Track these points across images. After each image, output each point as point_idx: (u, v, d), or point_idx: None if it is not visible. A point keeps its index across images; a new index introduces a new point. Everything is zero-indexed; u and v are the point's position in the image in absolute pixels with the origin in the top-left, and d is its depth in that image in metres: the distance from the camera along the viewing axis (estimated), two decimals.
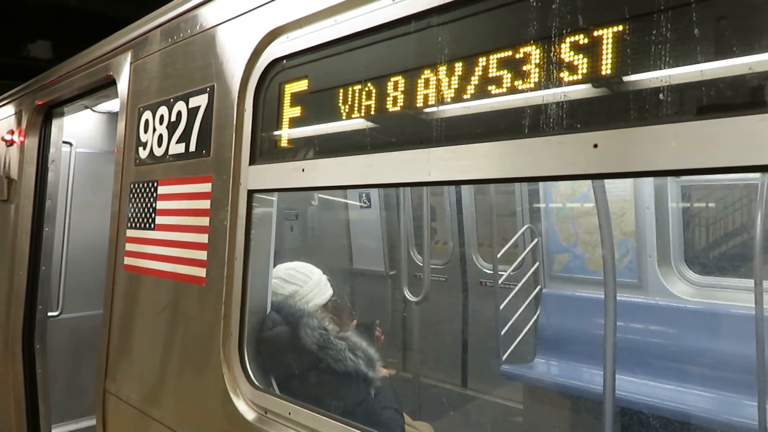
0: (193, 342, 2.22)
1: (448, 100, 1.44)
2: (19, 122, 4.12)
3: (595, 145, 1.16)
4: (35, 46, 6.44)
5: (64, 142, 4.18)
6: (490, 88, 1.36)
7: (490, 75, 1.36)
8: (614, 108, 1.19)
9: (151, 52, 2.62)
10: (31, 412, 3.87)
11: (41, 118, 3.93)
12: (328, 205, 6.36)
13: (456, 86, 1.42)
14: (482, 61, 1.38)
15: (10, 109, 4.42)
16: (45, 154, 3.91)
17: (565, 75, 1.22)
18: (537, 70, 1.28)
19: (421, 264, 5.36)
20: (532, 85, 1.29)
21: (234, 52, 2.10)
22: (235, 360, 1.99)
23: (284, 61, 1.93)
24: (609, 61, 1.17)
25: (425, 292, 4.62)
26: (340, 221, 6.24)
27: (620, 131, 1.13)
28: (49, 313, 3.99)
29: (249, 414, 1.91)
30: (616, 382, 2.72)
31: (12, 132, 4.14)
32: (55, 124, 3.93)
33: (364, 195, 5.96)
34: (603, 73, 1.17)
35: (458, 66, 1.43)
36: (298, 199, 5.76)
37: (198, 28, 2.32)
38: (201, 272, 2.15)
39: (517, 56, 1.31)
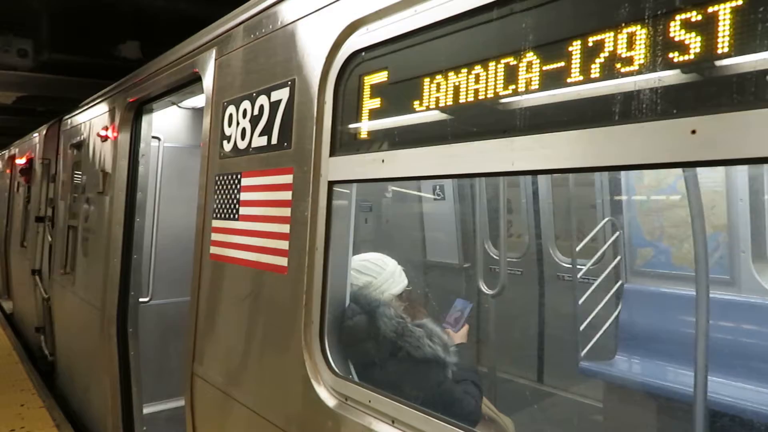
0: (274, 329, 2.29)
1: (533, 87, 1.40)
2: (112, 119, 4.37)
3: (693, 131, 1.10)
4: (125, 47, 6.78)
5: (153, 137, 4.40)
6: (577, 74, 1.32)
7: (577, 61, 1.32)
8: (715, 91, 1.12)
9: (234, 48, 2.71)
10: (124, 391, 4.12)
11: (132, 115, 4.15)
12: (402, 197, 6.37)
13: (541, 73, 1.38)
14: (568, 46, 1.33)
15: (104, 107, 4.69)
16: (136, 149, 4.13)
17: (660, 58, 1.16)
18: (629, 54, 1.22)
19: (496, 257, 5.29)
20: (623, 70, 1.23)
21: (314, 45, 2.13)
22: (316, 347, 2.03)
23: (364, 53, 1.94)
24: (710, 41, 1.10)
25: (501, 285, 4.55)
26: (413, 213, 6.25)
27: (722, 116, 1.07)
28: (140, 299, 4.23)
29: (330, 401, 1.95)
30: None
31: (106, 128, 4.40)
32: (145, 120, 4.14)
33: (437, 187, 5.93)
34: (703, 54, 1.11)
35: (543, 52, 1.39)
36: (371, 192, 5.81)
37: (279, 23, 2.38)
38: (283, 261, 2.21)
39: (607, 40, 1.26)
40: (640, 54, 1.20)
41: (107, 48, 6.90)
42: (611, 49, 1.25)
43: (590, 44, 1.28)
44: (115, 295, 4.07)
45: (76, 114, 5.73)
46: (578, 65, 1.30)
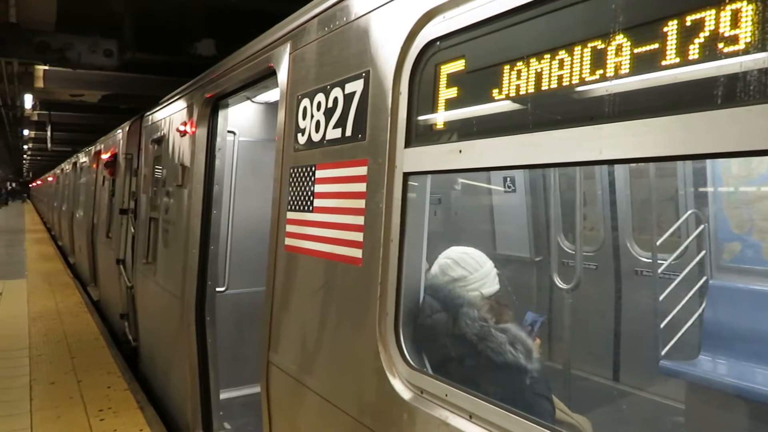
0: (348, 320, 2.30)
1: (623, 72, 1.33)
2: (190, 114, 4.52)
3: None
4: (201, 45, 7.02)
5: (229, 132, 4.53)
6: (673, 56, 1.24)
7: (674, 42, 1.24)
8: None
9: (308, 41, 2.73)
10: (202, 377, 4.28)
11: (209, 110, 4.28)
12: (471, 189, 6.29)
13: (632, 56, 1.31)
14: (663, 27, 1.25)
15: (182, 103, 4.87)
16: (213, 143, 4.26)
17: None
18: (733, 32, 1.13)
19: (569, 250, 5.13)
20: (726, 51, 1.15)
21: (389, 36, 2.12)
22: (390, 339, 2.03)
23: (440, 42, 1.91)
24: None
25: (577, 280, 4.41)
26: (483, 206, 6.15)
27: None
28: (217, 289, 4.37)
29: (405, 393, 1.94)
30: None
31: (185, 123, 4.56)
32: (221, 114, 4.26)
33: (508, 179, 5.81)
34: None
35: (634, 34, 1.31)
36: (440, 184, 5.76)
37: (353, 15, 2.38)
38: (357, 253, 2.21)
39: (708, 19, 1.18)
40: (745, 32, 1.11)
41: (184, 46, 7.16)
42: (712, 28, 1.16)
43: (688, 23, 1.20)
44: (194, 284, 4.22)
45: (156, 111, 5.98)
46: (674, 47, 1.23)
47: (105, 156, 9.07)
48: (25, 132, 19.12)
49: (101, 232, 9.11)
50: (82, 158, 13.47)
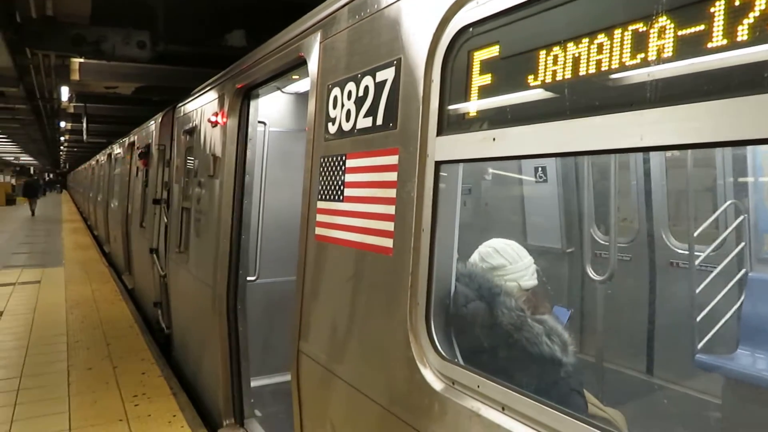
0: (379, 310, 2.30)
1: (666, 56, 1.28)
2: (221, 105, 4.56)
3: None
4: (231, 36, 7.05)
5: (259, 122, 4.55)
6: (720, 38, 1.19)
7: (721, 23, 1.18)
8: None
9: (338, 30, 2.72)
10: (233, 365, 4.33)
11: (240, 101, 4.30)
12: (502, 179, 6.21)
13: (676, 39, 1.26)
14: (710, 7, 1.20)
15: (213, 94, 4.90)
16: (244, 133, 4.29)
17: None
18: None
19: (601, 242, 5.04)
20: None
21: (421, 22, 2.09)
22: (422, 330, 2.01)
23: (473, 27, 1.88)
24: None
25: (611, 271, 4.33)
26: (513, 196, 6.08)
27: None
28: (248, 278, 4.41)
29: (436, 383, 1.92)
30: None
31: (216, 114, 4.60)
32: (252, 105, 4.28)
33: (539, 169, 5.72)
34: None
35: (678, 15, 1.26)
36: (470, 173, 5.70)
37: (384, 3, 2.35)
38: (388, 243, 2.20)
39: None
40: None
41: (215, 37, 7.21)
42: (762, 7, 1.11)
43: (737, 3, 1.15)
44: (225, 273, 4.27)
45: (188, 102, 6.04)
46: (722, 28, 1.17)
47: (139, 147, 9.22)
48: (62, 124, 19.56)
49: (135, 222, 9.29)
50: (117, 149, 13.72)
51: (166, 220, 6.72)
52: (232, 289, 4.27)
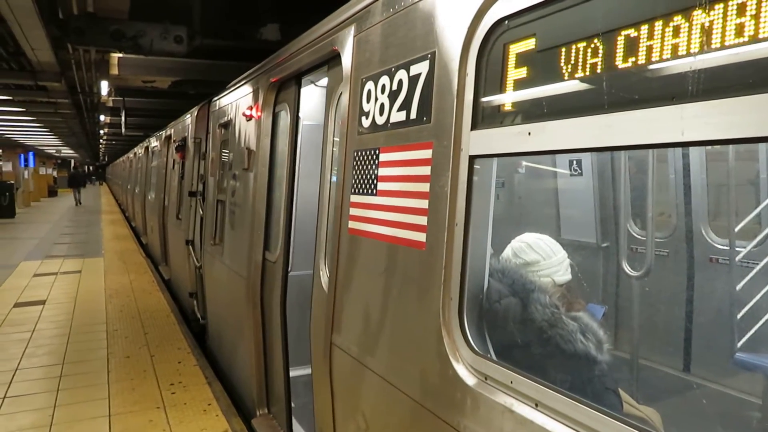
0: (412, 304, 2.30)
1: (709, 47, 1.25)
2: (256, 99, 4.60)
3: None
4: (266, 30, 7.12)
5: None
6: (765, 28, 1.15)
7: (765, 11, 1.15)
8: None
9: (372, 24, 2.71)
10: (267, 355, 4.40)
11: (274, 94, 4.34)
12: (536, 173, 6.13)
13: (720, 30, 1.23)
14: None
15: (248, 88, 4.96)
16: (278, 127, 4.32)
17: None
18: None
19: (638, 236, 4.94)
20: None
21: (455, 15, 2.07)
22: (455, 324, 2.01)
23: (508, 20, 1.85)
24: None
25: (648, 267, 4.25)
26: (548, 189, 6.00)
27: None
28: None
29: (469, 379, 1.92)
30: None
31: (251, 108, 4.65)
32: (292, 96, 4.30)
33: (574, 162, 5.63)
34: None
35: (722, 6, 1.23)
36: (503, 167, 5.64)
37: None
38: (421, 237, 2.20)
39: None
40: None
41: (250, 31, 7.28)
42: None
43: None
44: (259, 265, 4.32)
45: (223, 96, 6.12)
46: (764, 17, 1.14)
47: (175, 140, 9.39)
48: (101, 117, 20.05)
49: (171, 214, 9.47)
50: (154, 142, 14.00)
51: (201, 212, 6.84)
52: (268, 281, 4.32)
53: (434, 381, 2.11)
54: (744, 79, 1.19)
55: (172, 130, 10.33)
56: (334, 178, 3.59)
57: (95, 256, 13.32)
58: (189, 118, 8.36)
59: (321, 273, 3.52)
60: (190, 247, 7.37)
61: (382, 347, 2.53)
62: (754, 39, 1.17)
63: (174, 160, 9.51)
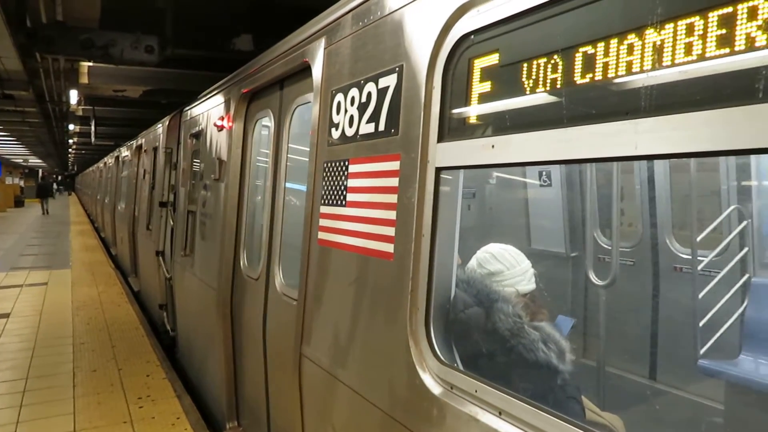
0: (380, 314, 2.32)
1: (661, 65, 1.30)
2: (227, 109, 4.59)
3: None
4: (239, 40, 7.11)
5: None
6: (712, 48, 1.21)
7: (713, 33, 1.20)
8: None
9: (342, 36, 2.74)
10: (236, 368, 4.36)
11: (245, 105, 4.34)
12: (506, 183, 6.22)
13: (670, 49, 1.28)
14: (702, 18, 1.22)
15: (220, 98, 4.95)
16: (249, 138, 4.32)
17: None
18: None
19: (605, 246, 5.04)
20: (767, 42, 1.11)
21: (423, 30, 2.11)
22: (421, 334, 2.03)
23: (473, 35, 1.90)
24: None
25: (613, 276, 4.34)
26: (518, 200, 6.09)
27: None
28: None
29: (435, 388, 1.94)
30: None
31: (222, 118, 4.64)
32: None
33: (544, 173, 5.73)
34: None
35: (672, 26, 1.28)
36: (474, 178, 5.72)
37: (387, 9, 2.38)
38: (389, 248, 2.22)
39: (747, 8, 1.14)
40: None
41: (223, 42, 7.26)
42: (752, 16, 1.13)
43: (727, 14, 1.17)
44: (229, 276, 4.30)
45: (195, 105, 6.09)
46: (715, 38, 1.19)
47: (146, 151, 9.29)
48: (71, 126, 19.73)
49: (142, 225, 9.35)
50: (124, 152, 13.82)
51: (172, 223, 6.77)
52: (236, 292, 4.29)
53: (402, 391, 2.12)
54: (692, 96, 1.25)
55: (144, 140, 10.22)
56: (291, 185, 3.62)
57: (63, 267, 13.05)
58: (160, 128, 8.28)
59: (276, 278, 3.53)
60: (161, 258, 7.28)
61: (351, 358, 2.54)
62: (702, 58, 1.23)
63: (144, 170, 9.40)
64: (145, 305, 9.29)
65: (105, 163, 20.99)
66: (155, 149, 8.50)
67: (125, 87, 9.78)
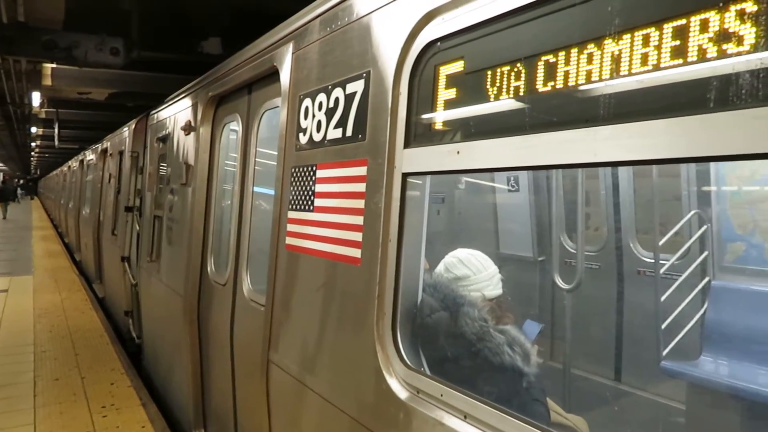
0: (347, 319, 2.32)
1: (618, 74, 1.34)
2: (195, 113, 4.54)
3: None
4: (207, 43, 7.04)
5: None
6: (667, 59, 1.24)
7: (668, 44, 1.24)
8: None
9: (311, 41, 2.74)
10: (203, 375, 4.30)
11: (213, 109, 4.30)
12: (475, 188, 6.29)
13: (627, 59, 1.32)
14: (658, 29, 1.26)
15: (187, 102, 4.89)
16: (216, 142, 4.28)
17: (762, 38, 1.08)
18: (725, 34, 1.14)
19: (572, 250, 5.13)
20: (718, 53, 1.15)
21: (389, 36, 2.13)
22: (388, 339, 2.04)
23: (439, 42, 1.92)
24: None
25: (578, 280, 4.41)
26: (486, 205, 6.16)
27: None
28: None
29: (401, 392, 1.95)
30: None
31: (189, 122, 4.58)
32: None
33: (511, 178, 5.81)
34: None
35: (629, 36, 1.32)
36: (444, 182, 5.77)
37: (355, 15, 2.39)
38: (356, 253, 2.22)
39: (699, 21, 1.18)
40: (739, 35, 1.12)
41: (191, 45, 7.18)
42: (705, 29, 1.17)
43: (681, 25, 1.21)
44: (196, 281, 4.24)
45: (162, 109, 6.01)
46: (670, 49, 1.23)
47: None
48: (33, 129, 19.24)
49: (107, 230, 9.17)
50: (89, 155, 13.55)
51: (138, 228, 6.65)
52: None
53: (369, 397, 2.12)
54: (649, 105, 1.28)
55: (109, 143, 10.03)
56: (259, 190, 3.60)
57: (24, 274, 12.69)
58: (127, 131, 8.14)
59: (243, 283, 3.50)
60: (126, 263, 7.15)
61: (318, 364, 2.53)
62: (657, 68, 1.26)
63: (110, 174, 9.23)
64: (110, 312, 9.10)
65: (69, 166, 20.52)
66: (121, 153, 8.35)
67: (90, 89, 9.59)
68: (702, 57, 1.19)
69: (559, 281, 4.68)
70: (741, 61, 1.11)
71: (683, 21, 1.21)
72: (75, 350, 6.93)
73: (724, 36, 1.14)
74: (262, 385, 2.96)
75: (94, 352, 6.91)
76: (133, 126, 7.48)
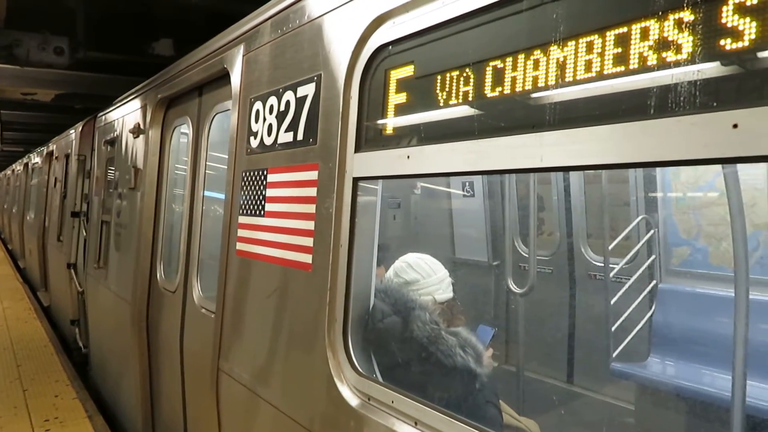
0: (299, 326, 2.28)
1: (563, 81, 1.35)
2: (144, 115, 4.42)
3: (735, 125, 1.04)
4: (158, 45, 6.86)
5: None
6: (609, 66, 1.26)
7: (611, 52, 1.26)
8: (759, 83, 1.06)
9: (261, 44, 2.70)
10: (153, 384, 4.17)
11: (163, 111, 4.19)
12: (431, 193, 6.32)
13: (572, 66, 1.33)
14: (601, 37, 1.28)
15: (136, 104, 4.76)
16: (166, 145, 4.17)
17: (700, 48, 1.10)
18: (667, 44, 1.16)
19: (526, 255, 5.20)
20: (659, 62, 1.17)
21: (340, 40, 2.11)
22: (339, 346, 2.01)
23: (390, 47, 1.91)
24: (752, 30, 1.03)
25: (531, 284, 4.47)
26: (442, 210, 6.19)
27: (766, 109, 1.01)
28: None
29: (352, 400, 1.92)
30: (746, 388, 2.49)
31: (138, 124, 4.46)
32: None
33: (467, 184, 5.86)
34: (747, 45, 1.04)
35: (574, 44, 1.33)
36: (400, 188, 5.78)
37: (306, 18, 2.36)
38: (307, 258, 2.19)
39: (640, 30, 1.20)
40: (678, 44, 1.14)
41: (141, 46, 6.98)
42: (645, 38, 1.19)
43: (623, 34, 1.23)
44: (145, 288, 4.12)
45: (110, 111, 5.83)
46: (612, 57, 1.25)
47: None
48: None
49: (52, 236, 8.84)
50: (34, 159, 13.05)
51: (85, 234, 6.43)
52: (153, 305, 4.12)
53: (321, 405, 2.09)
54: (593, 111, 1.30)
55: (55, 146, 9.69)
56: (209, 194, 3.52)
57: None
58: (73, 134, 7.88)
59: (194, 290, 3.42)
60: (73, 270, 6.89)
61: (270, 372, 2.48)
62: (600, 74, 1.28)
63: (56, 178, 8.91)
64: (56, 321, 8.77)
65: (13, 170, 19.73)
66: (67, 156, 8.08)
67: (35, 90, 9.22)
68: (643, 64, 1.21)
69: (512, 285, 4.73)
70: (679, 70, 1.13)
71: (624, 29, 1.23)
72: (17, 361, 6.63)
73: (663, 44, 1.17)
74: (213, 394, 2.89)
75: (37, 363, 6.63)
76: (81, 128, 7.24)
